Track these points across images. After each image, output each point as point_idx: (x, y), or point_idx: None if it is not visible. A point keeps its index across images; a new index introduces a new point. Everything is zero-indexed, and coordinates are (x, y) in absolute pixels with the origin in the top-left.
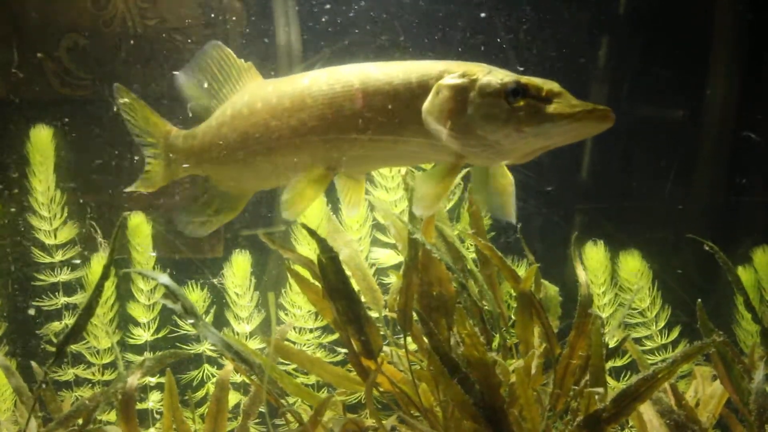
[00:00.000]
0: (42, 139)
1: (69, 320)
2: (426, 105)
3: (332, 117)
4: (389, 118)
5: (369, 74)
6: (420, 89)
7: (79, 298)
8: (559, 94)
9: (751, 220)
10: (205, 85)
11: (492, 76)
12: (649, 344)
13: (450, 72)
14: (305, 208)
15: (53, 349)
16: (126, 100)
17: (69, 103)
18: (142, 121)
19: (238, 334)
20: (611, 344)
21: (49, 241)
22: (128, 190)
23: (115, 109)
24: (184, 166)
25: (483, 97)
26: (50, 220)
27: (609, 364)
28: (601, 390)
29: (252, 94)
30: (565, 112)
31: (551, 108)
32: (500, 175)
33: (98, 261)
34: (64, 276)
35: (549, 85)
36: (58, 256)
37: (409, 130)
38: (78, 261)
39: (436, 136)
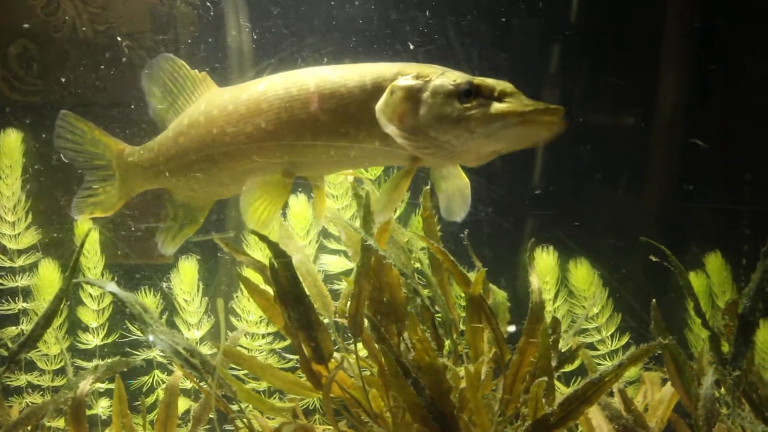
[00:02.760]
0: (10, 143)
1: (26, 326)
2: (379, 105)
3: (288, 121)
4: (345, 120)
5: (324, 77)
6: (375, 91)
7: (33, 306)
8: (512, 94)
9: (699, 227)
10: (158, 99)
11: (445, 77)
12: (600, 350)
13: (404, 73)
14: (272, 217)
15: (6, 354)
16: (73, 125)
17: (18, 108)
18: (91, 145)
19: (188, 340)
20: (563, 350)
21: (12, 245)
22: (82, 217)
23: (55, 137)
24: (142, 181)
25: (436, 97)
26: (14, 225)
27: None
28: (545, 379)
29: (208, 102)
30: (516, 110)
31: (503, 108)
32: (456, 177)
33: (46, 267)
34: (24, 281)
35: (502, 85)
36: (20, 261)
37: (364, 132)
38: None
39: (390, 137)
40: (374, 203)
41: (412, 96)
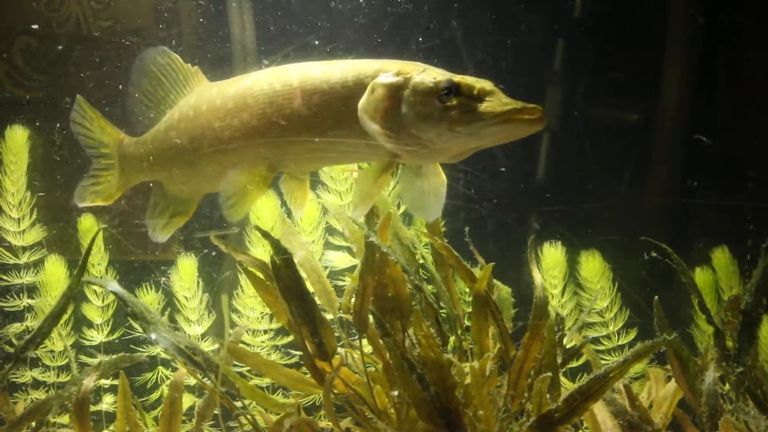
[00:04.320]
0: (16, 139)
1: (30, 322)
2: (361, 103)
3: (272, 116)
4: (327, 116)
5: (308, 73)
6: (356, 88)
7: (38, 303)
8: (491, 92)
9: (703, 222)
10: (152, 91)
11: (426, 74)
12: (604, 345)
13: (385, 71)
14: (248, 208)
15: (11, 350)
16: (85, 111)
17: (22, 104)
18: (98, 132)
19: (189, 336)
20: (568, 346)
21: (17, 242)
22: (83, 205)
23: (71, 122)
24: (137, 172)
25: (416, 95)
26: (19, 222)
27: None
28: (549, 374)
29: (198, 96)
30: (496, 111)
31: (482, 107)
32: (433, 175)
33: (53, 264)
34: (29, 278)
35: (481, 84)
36: (24, 258)
37: (346, 128)
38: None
39: (372, 135)
40: (353, 198)
41: (393, 93)
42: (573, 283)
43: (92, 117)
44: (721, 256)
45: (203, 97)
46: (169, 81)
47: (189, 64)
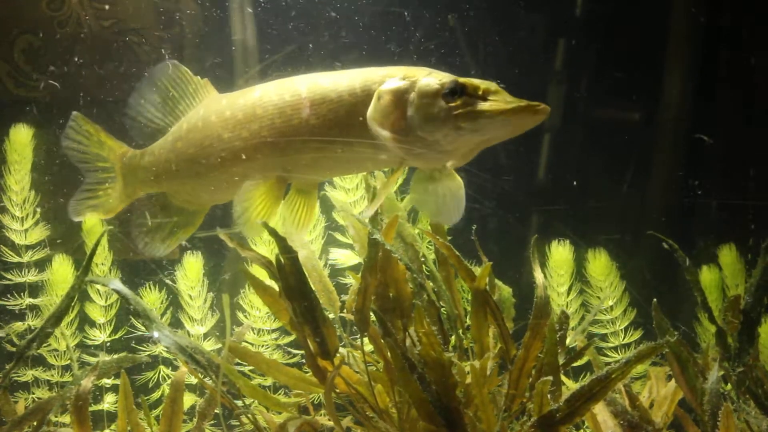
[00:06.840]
0: (19, 138)
1: (32, 321)
2: (370, 111)
3: (282, 126)
4: (336, 125)
5: (316, 83)
6: (364, 95)
7: (45, 301)
8: (496, 92)
9: (705, 222)
10: (161, 103)
11: (431, 77)
12: (610, 343)
13: (391, 77)
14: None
15: (13, 349)
16: (81, 126)
17: (24, 103)
18: (96, 146)
19: (192, 335)
20: (572, 345)
21: (20, 240)
22: (79, 218)
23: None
24: (143, 184)
25: (422, 98)
26: (22, 220)
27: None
28: (551, 378)
29: (207, 108)
30: (501, 108)
31: (487, 105)
32: (448, 178)
33: (60, 263)
34: (31, 277)
35: (486, 84)
36: (27, 257)
37: (355, 136)
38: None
39: (381, 141)
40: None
41: (399, 98)
42: (577, 282)
43: (90, 132)
44: (728, 254)
45: (212, 108)
46: (179, 93)
47: (198, 77)
